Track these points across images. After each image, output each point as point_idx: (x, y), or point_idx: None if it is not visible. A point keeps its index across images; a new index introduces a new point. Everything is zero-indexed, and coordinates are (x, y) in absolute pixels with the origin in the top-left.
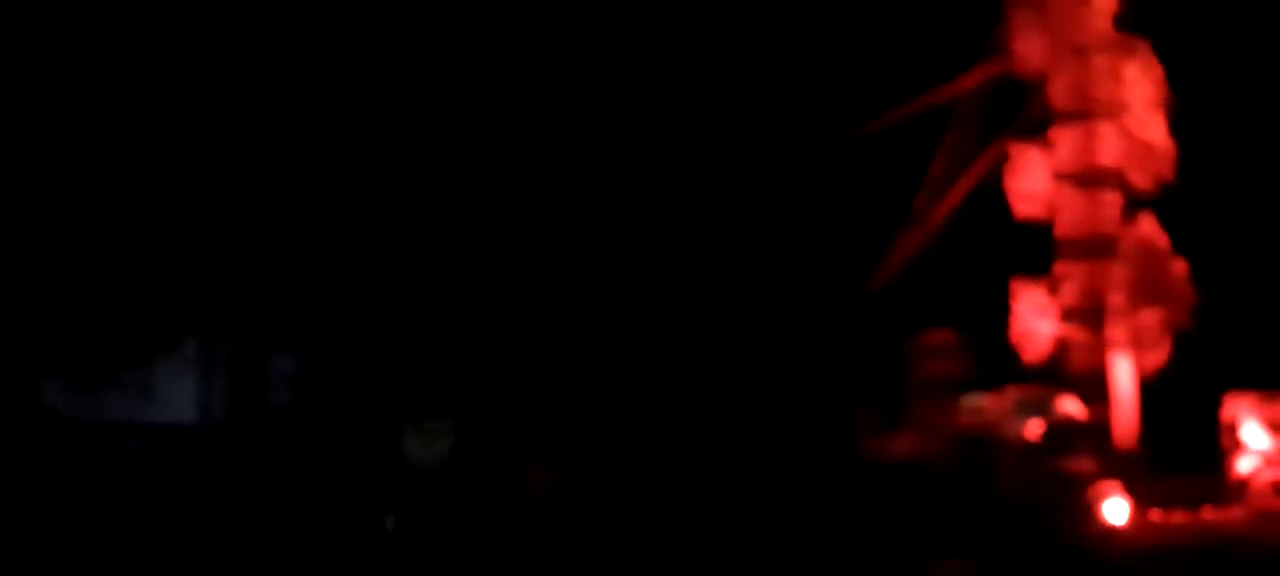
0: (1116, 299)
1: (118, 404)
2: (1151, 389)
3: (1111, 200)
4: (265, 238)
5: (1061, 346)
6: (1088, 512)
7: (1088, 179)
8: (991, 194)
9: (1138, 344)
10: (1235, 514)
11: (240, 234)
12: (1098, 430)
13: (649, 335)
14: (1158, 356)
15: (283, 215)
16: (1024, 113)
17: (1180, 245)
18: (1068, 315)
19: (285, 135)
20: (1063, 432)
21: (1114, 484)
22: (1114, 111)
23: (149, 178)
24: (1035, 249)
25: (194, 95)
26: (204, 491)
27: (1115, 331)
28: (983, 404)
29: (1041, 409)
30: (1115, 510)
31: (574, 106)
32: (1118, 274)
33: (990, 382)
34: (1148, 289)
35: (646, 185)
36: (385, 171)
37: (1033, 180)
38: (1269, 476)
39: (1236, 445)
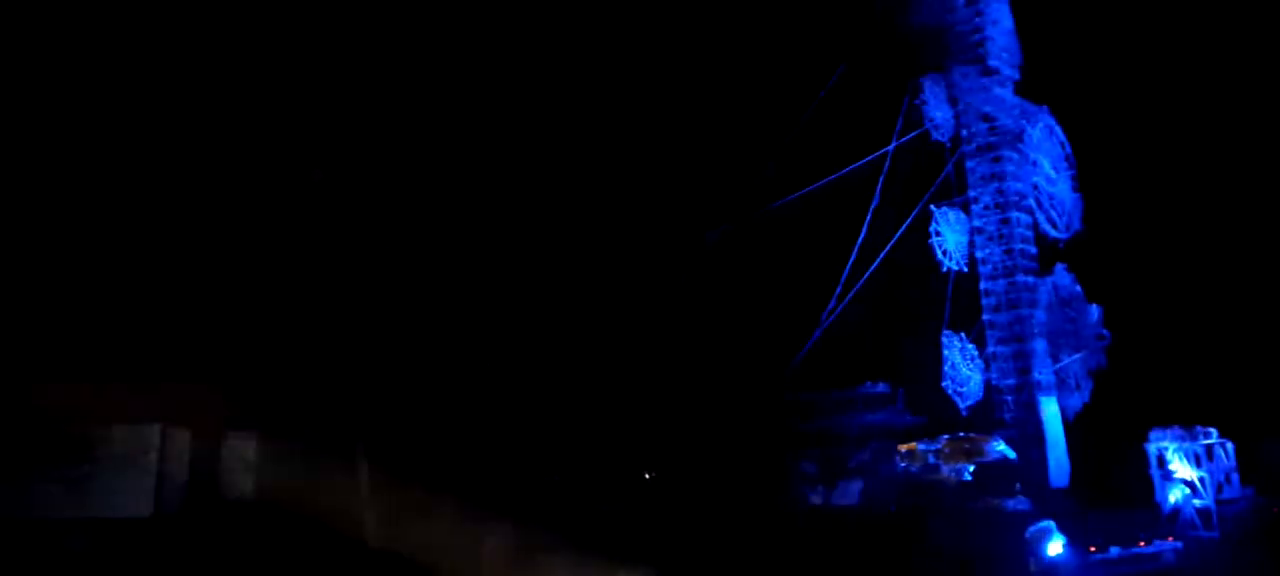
0: (1039, 344)
1: (60, 500)
2: (1078, 427)
3: (1027, 253)
4: (219, 318)
5: (991, 391)
6: (1025, 550)
7: (1004, 234)
8: (918, 251)
9: (1062, 385)
10: (1167, 543)
11: (194, 316)
12: (1030, 470)
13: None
14: (1081, 396)
15: (237, 292)
16: (942, 175)
17: (1093, 290)
18: (994, 362)
19: (235, 208)
20: (997, 474)
21: (1049, 521)
22: (1024, 171)
23: (92, 253)
24: (961, 302)
25: (138, 169)
26: None
27: (1040, 375)
28: (919, 450)
29: (976, 452)
30: (1052, 546)
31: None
32: (1038, 321)
33: (926, 430)
34: (1066, 333)
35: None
36: (334, 247)
37: (954, 237)
38: (1197, 505)
39: (1165, 476)
